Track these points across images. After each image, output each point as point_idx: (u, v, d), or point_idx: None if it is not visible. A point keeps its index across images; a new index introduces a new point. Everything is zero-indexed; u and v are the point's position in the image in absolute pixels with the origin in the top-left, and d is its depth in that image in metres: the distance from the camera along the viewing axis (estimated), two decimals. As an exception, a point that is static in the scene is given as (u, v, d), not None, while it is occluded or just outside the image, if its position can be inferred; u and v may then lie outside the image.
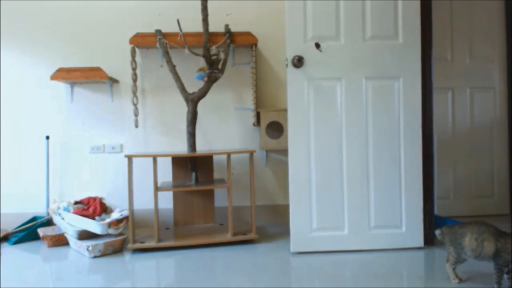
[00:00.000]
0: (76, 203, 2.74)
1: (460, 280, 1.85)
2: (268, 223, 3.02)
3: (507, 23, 3.12)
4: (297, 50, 2.29)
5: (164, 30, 2.82)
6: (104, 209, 2.69)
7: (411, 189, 2.35)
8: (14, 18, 2.97)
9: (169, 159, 2.88)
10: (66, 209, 2.63)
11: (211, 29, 2.76)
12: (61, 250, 2.53)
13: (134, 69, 2.84)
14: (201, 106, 2.77)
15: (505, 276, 1.73)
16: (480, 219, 1.88)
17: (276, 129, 2.90)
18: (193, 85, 2.75)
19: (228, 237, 2.51)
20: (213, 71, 2.64)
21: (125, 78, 2.99)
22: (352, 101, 2.33)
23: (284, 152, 3.03)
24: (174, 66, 2.67)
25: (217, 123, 3.04)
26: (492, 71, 3.13)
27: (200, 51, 2.71)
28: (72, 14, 2.98)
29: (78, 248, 2.46)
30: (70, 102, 3.01)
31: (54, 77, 2.80)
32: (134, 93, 2.86)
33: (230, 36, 2.83)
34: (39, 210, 2.94)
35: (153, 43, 2.81)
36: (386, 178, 2.34)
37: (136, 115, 2.88)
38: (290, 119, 2.32)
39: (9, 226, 2.88)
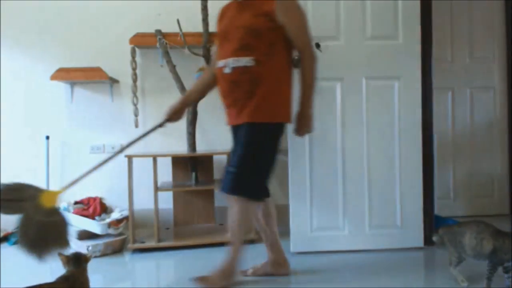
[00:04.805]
0: (76, 203, 2.74)
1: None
2: (268, 223, 3.01)
3: (507, 23, 3.11)
4: (297, 50, 2.28)
5: (164, 30, 2.82)
6: (104, 209, 2.69)
7: (411, 189, 2.35)
8: (14, 18, 2.96)
9: (169, 159, 2.88)
10: (66, 209, 2.63)
11: (211, 29, 2.76)
12: (61, 250, 2.53)
13: (134, 69, 2.84)
14: (201, 106, 2.76)
15: (505, 275, 1.74)
16: (479, 219, 1.88)
17: (276, 129, 2.89)
18: (193, 85, 2.74)
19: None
20: (213, 71, 2.64)
21: (125, 78, 2.98)
22: (352, 101, 2.33)
23: (284, 152, 3.02)
24: (174, 66, 2.67)
25: (217, 123, 3.03)
26: (492, 71, 3.13)
27: (200, 51, 2.70)
28: (72, 14, 2.98)
29: (78, 248, 2.45)
30: (70, 102, 3.00)
31: (54, 77, 2.80)
32: (134, 93, 2.86)
33: (230, 36, 2.82)
34: (39, 210, 2.94)
35: (153, 43, 2.80)
36: (386, 177, 2.33)
37: (136, 115, 2.88)
38: (290, 119, 2.31)
39: (9, 226, 2.87)
